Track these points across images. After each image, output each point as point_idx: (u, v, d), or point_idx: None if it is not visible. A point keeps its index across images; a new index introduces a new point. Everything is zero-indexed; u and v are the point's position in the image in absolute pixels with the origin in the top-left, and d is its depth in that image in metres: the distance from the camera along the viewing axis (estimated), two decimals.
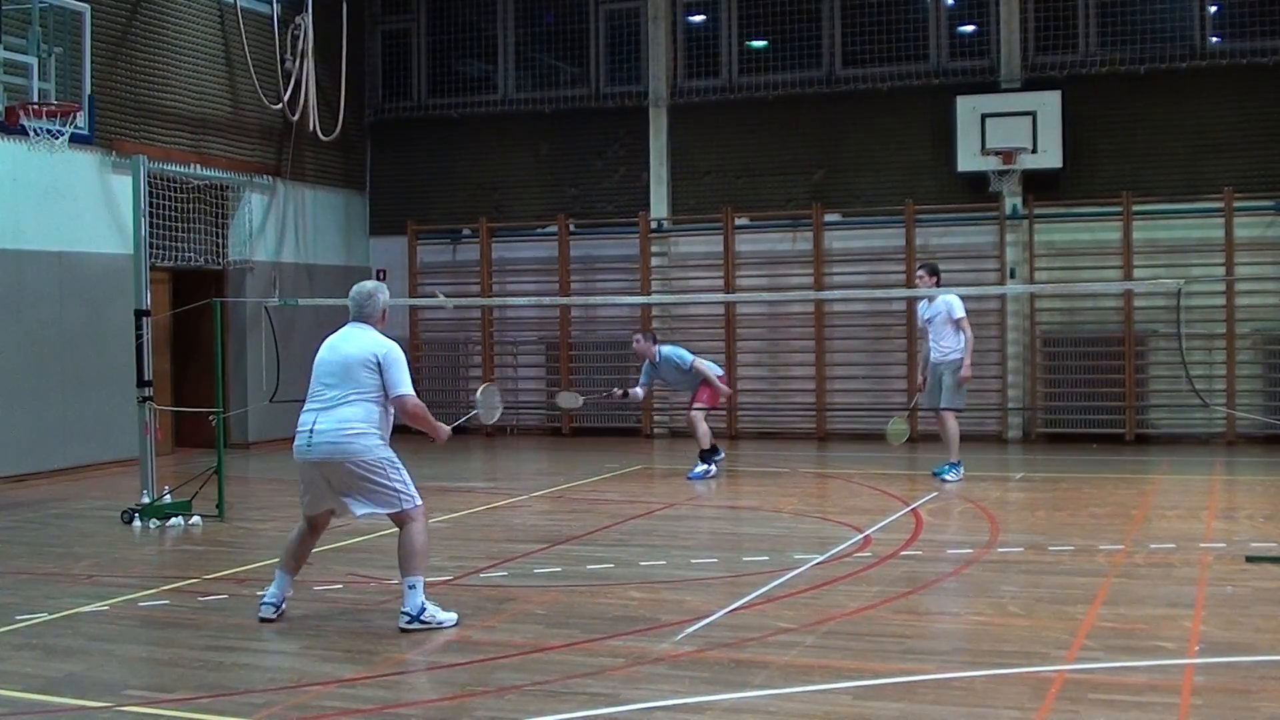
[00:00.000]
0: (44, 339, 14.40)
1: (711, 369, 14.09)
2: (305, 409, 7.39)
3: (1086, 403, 16.75)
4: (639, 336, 14.30)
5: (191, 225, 16.56)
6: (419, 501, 7.27)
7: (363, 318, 7.46)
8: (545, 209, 19.08)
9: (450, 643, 6.80)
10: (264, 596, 7.41)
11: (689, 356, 13.94)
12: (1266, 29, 16.29)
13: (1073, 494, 12.43)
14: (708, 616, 7.22)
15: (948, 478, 12.82)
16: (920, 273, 13.34)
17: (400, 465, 7.29)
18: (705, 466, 13.75)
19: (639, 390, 14.22)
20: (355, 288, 7.58)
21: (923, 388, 13.60)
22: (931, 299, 13.12)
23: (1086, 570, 8.50)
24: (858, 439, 17.26)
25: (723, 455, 14.16)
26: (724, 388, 14.16)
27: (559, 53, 19.47)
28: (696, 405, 13.91)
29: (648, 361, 14.03)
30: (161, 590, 8.24)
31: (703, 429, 13.78)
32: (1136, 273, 16.47)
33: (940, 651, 6.71)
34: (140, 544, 10.14)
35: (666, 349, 14.05)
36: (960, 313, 13.00)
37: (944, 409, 13.05)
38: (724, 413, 18.15)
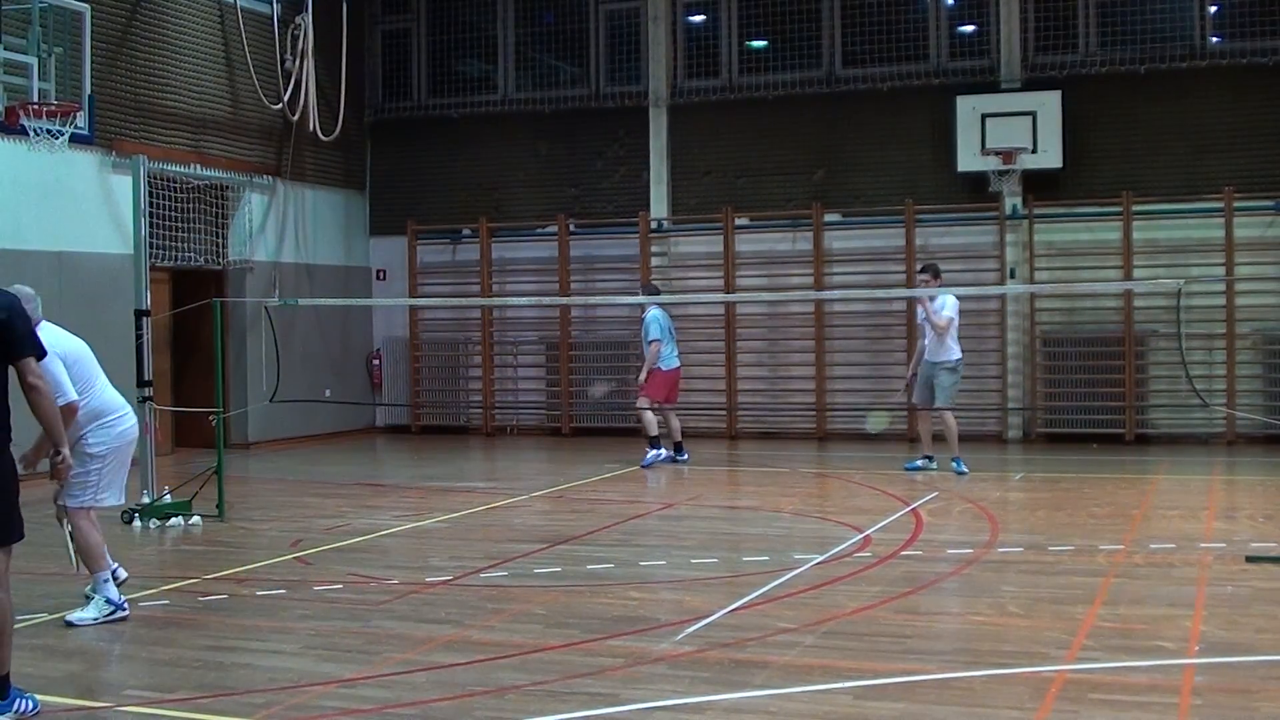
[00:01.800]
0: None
1: (666, 362, 14.50)
2: (109, 393, 7.67)
3: (1086, 403, 16.74)
4: (641, 289, 15.31)
5: (191, 225, 16.57)
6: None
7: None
8: (545, 209, 19.08)
9: (450, 642, 6.80)
10: (122, 601, 7.47)
11: (653, 334, 14.39)
12: (1266, 29, 16.28)
13: (1073, 494, 12.43)
14: (708, 616, 7.22)
15: (938, 470, 13.19)
16: (925, 275, 13.53)
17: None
18: (655, 452, 14.49)
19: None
20: (28, 289, 7.19)
21: (910, 384, 13.86)
22: (933, 299, 13.30)
23: (1086, 570, 8.51)
24: (858, 439, 17.27)
25: (664, 455, 14.66)
26: (658, 387, 14.49)
27: (559, 53, 19.47)
28: (644, 396, 14.50)
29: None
30: (161, 590, 8.24)
31: (648, 417, 14.57)
32: (1136, 273, 16.47)
33: (940, 651, 6.71)
34: (140, 544, 10.14)
35: (652, 314, 14.54)
36: (952, 313, 13.27)
37: (941, 408, 13.30)
38: (724, 413, 18.17)
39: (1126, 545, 9.33)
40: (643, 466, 14.34)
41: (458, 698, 5.83)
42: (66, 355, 7.32)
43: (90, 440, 7.53)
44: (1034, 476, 13.69)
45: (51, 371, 6.78)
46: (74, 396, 7.16)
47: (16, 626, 7.25)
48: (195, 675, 6.31)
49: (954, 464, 13.28)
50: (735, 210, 18.10)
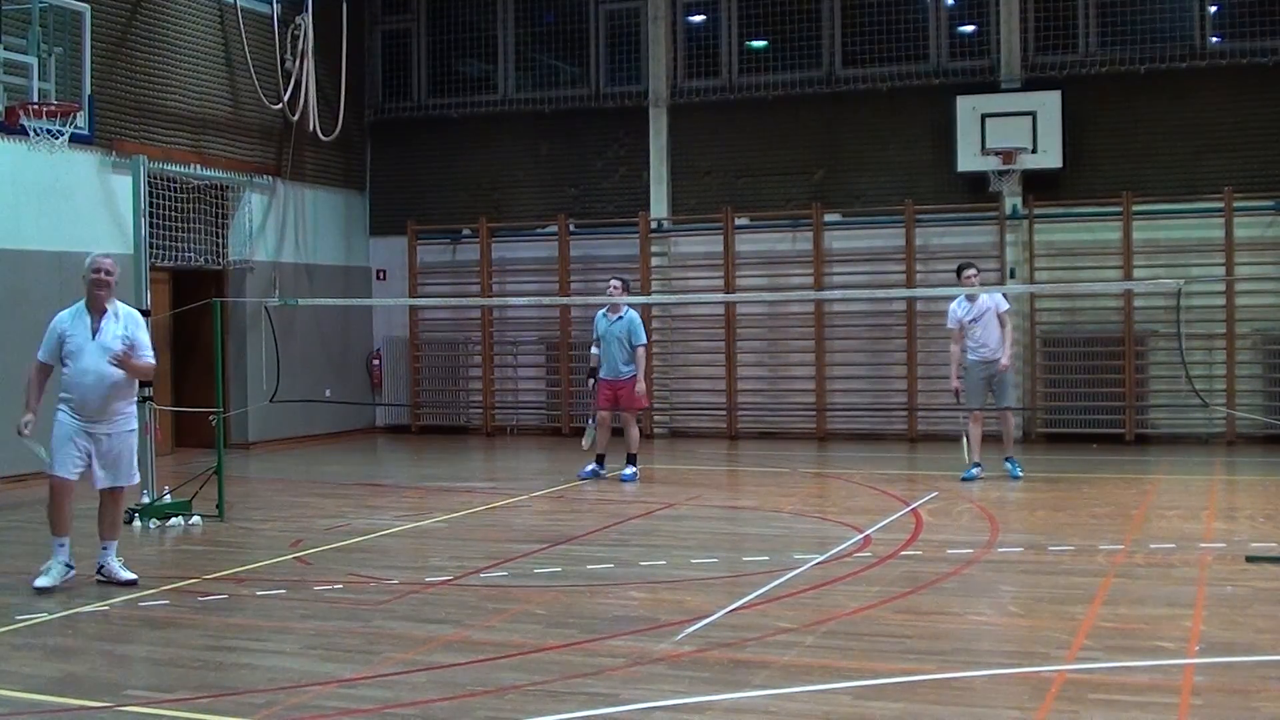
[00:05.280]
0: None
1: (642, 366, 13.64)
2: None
3: (1086, 403, 16.75)
4: (617, 284, 13.56)
5: (191, 225, 16.57)
6: (53, 472, 8.44)
7: None
8: (545, 209, 19.08)
9: (450, 642, 6.80)
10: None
11: (643, 338, 13.56)
12: (1266, 29, 16.29)
13: (1073, 494, 12.43)
14: (708, 616, 7.21)
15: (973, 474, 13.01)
16: (970, 272, 13.01)
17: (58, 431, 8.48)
18: (635, 469, 13.54)
19: (595, 351, 13.66)
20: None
21: (961, 391, 13.13)
22: (973, 298, 12.83)
23: (1086, 570, 8.50)
24: (858, 439, 17.27)
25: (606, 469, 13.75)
26: (641, 391, 13.55)
27: (559, 53, 19.47)
28: (628, 408, 13.51)
29: (602, 315, 13.54)
30: (161, 590, 8.25)
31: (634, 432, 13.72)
32: (1136, 273, 16.47)
33: (940, 651, 6.70)
34: (140, 544, 10.13)
35: (634, 315, 13.54)
36: (1006, 305, 13.06)
37: (1009, 408, 13.25)
38: (724, 413, 18.17)
39: (1126, 545, 9.32)
40: (623, 480, 13.33)
41: (458, 698, 5.83)
42: None
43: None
44: (1034, 476, 13.67)
45: None
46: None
47: (16, 627, 7.27)
48: (195, 675, 6.31)
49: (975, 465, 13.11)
50: (735, 210, 18.10)
